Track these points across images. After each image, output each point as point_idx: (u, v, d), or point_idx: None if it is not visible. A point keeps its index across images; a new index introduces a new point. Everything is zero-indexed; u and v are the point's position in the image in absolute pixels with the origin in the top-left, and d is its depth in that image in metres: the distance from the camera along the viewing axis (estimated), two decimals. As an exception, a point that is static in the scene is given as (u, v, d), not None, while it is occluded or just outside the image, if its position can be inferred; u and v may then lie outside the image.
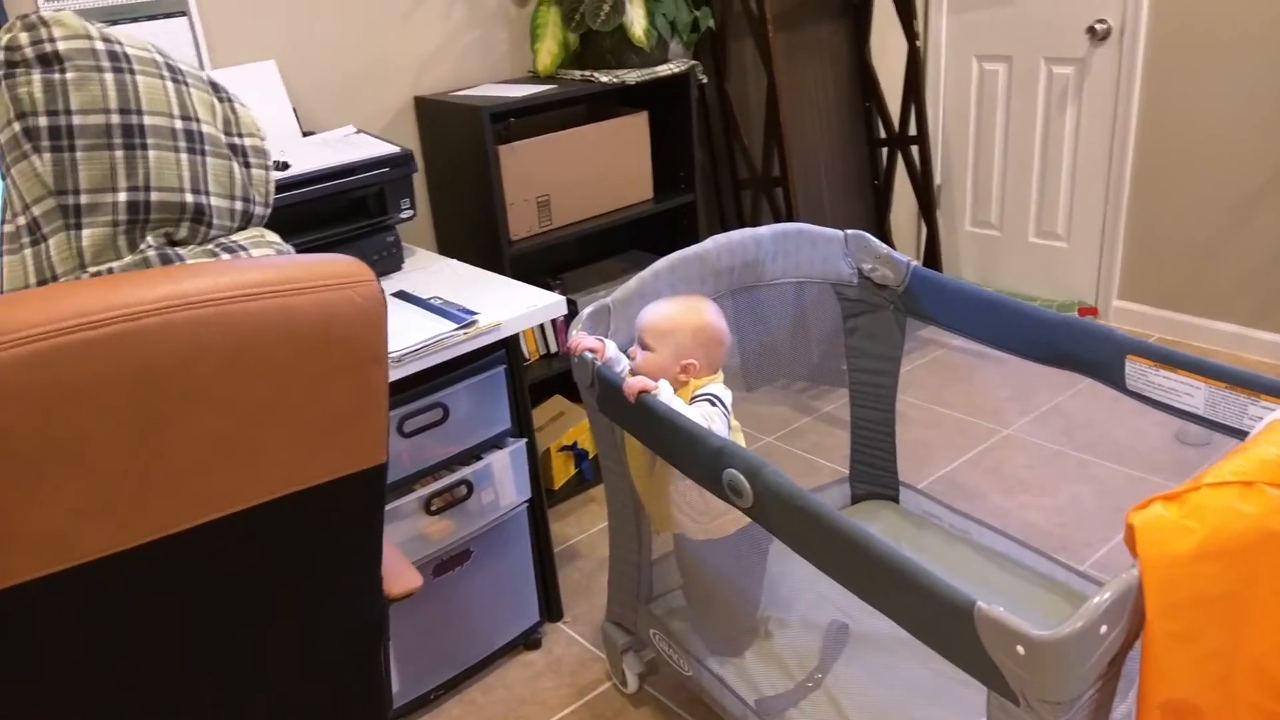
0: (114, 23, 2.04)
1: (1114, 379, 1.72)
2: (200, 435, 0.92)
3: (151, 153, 0.98)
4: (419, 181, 2.57)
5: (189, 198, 1.00)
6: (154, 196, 0.98)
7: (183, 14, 2.12)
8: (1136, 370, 1.68)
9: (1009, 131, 3.66)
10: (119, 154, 0.95)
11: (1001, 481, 2.67)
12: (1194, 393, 1.62)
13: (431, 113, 2.53)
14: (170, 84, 1.01)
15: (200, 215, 1.02)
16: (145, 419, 0.88)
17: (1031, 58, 3.51)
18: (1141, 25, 3.19)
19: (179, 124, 1.01)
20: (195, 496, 0.94)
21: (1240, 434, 1.56)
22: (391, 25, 2.47)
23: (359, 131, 2.21)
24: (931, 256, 3.56)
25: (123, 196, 0.96)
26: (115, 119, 0.95)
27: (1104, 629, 0.99)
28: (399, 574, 1.24)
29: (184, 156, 1.01)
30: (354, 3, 2.40)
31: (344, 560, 1.10)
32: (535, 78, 2.66)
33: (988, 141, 3.73)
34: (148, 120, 0.98)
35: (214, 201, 1.03)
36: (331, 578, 1.09)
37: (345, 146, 2.08)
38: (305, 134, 2.23)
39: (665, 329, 1.66)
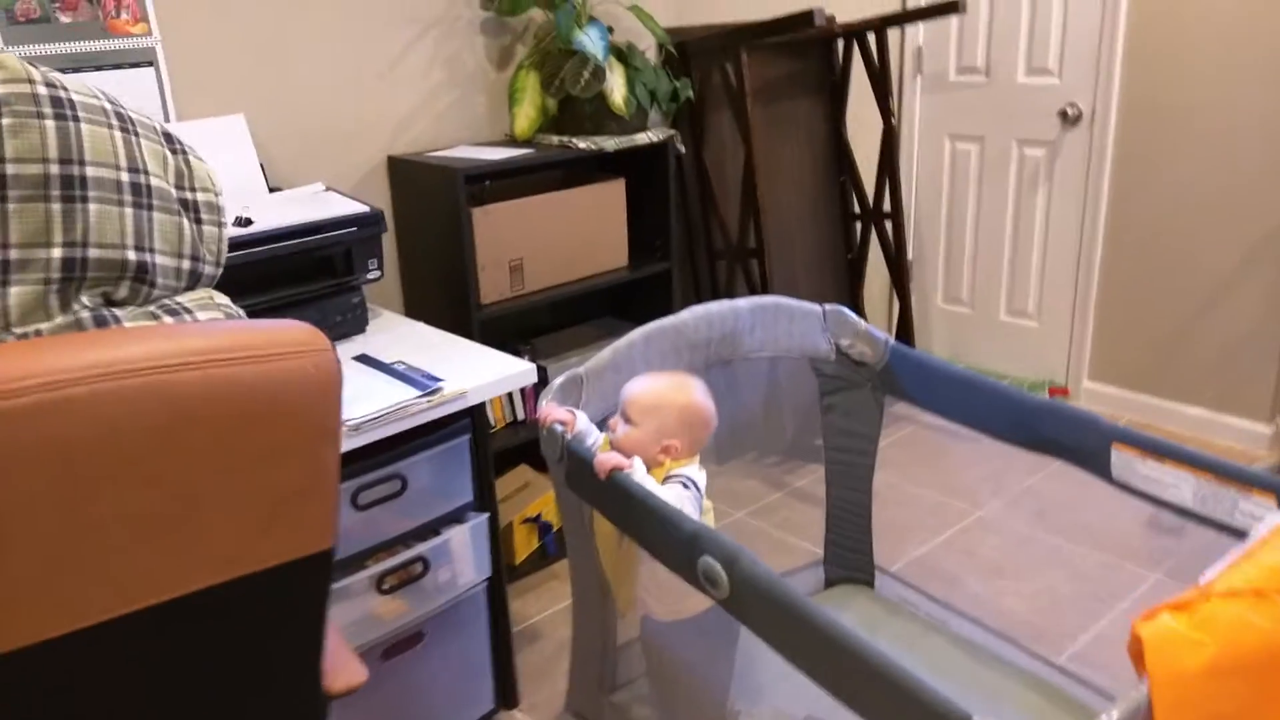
0: (78, 70, 1.97)
1: (1099, 467, 1.67)
2: (129, 515, 0.83)
3: (93, 206, 0.90)
4: (388, 242, 2.50)
5: (131, 255, 0.93)
6: (92, 254, 0.90)
7: (149, 64, 2.06)
8: (1122, 460, 1.63)
9: (981, 210, 3.67)
10: (56, 206, 0.88)
11: (976, 566, 2.61)
12: (1182, 485, 1.57)
13: (405, 173, 2.47)
14: (118, 133, 0.94)
15: (143, 274, 0.94)
16: (67, 498, 0.79)
17: (1003, 139, 3.54)
18: (1112, 110, 3.23)
19: (125, 176, 0.93)
20: (124, 583, 0.85)
21: (1229, 529, 1.51)
22: (367, 83, 2.43)
23: (328, 189, 2.15)
24: (904, 331, 3.54)
25: (57, 253, 0.88)
26: (54, 169, 0.88)
27: (1111, 751, 0.91)
28: (342, 667, 1.13)
29: (129, 211, 0.93)
30: (329, 59, 2.35)
31: (282, 653, 1.00)
32: (512, 141, 2.62)
33: (960, 219, 3.74)
34: (90, 171, 0.90)
35: (159, 260, 0.95)
36: (267, 672, 0.99)
37: (313, 204, 2.01)
38: (272, 190, 2.16)
39: (651, 405, 1.59)
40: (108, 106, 0.95)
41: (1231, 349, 3.16)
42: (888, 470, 3.10)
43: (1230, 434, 3.18)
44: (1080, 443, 1.67)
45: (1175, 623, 0.95)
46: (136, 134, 0.96)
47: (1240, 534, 1.47)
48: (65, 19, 1.94)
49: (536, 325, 2.87)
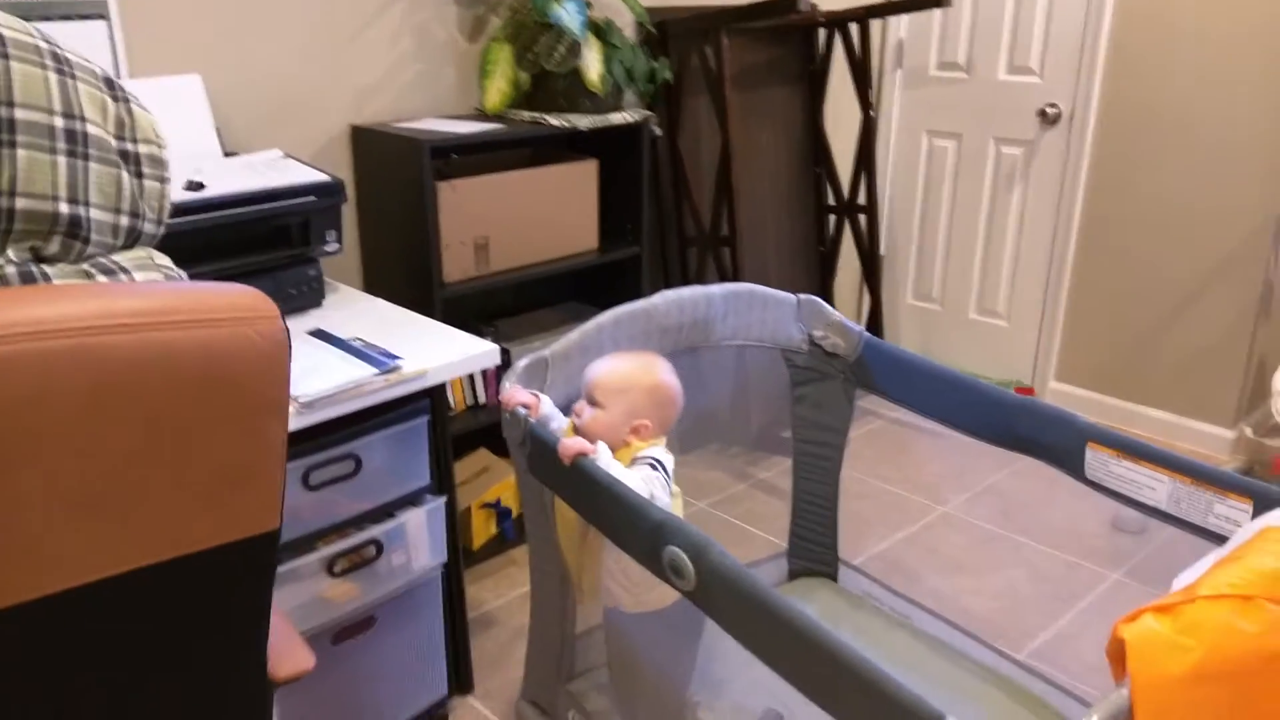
0: (26, 20, 1.87)
1: (1072, 466, 1.64)
2: (54, 490, 0.76)
3: (21, 152, 0.83)
4: (349, 214, 2.42)
5: (64, 208, 0.85)
6: (20, 204, 0.83)
7: (101, 17, 1.96)
8: (1097, 459, 1.60)
9: (955, 207, 3.65)
10: None
11: (938, 562, 2.59)
12: (1157, 486, 1.54)
13: (368, 143, 2.39)
14: (53, 75, 0.86)
15: (76, 229, 0.86)
16: (-20, 467, 0.72)
17: (981, 137, 3.52)
18: (1092, 111, 3.22)
19: (59, 122, 0.86)
20: (48, 561, 0.78)
21: (1204, 532, 1.49)
22: (332, 49, 2.34)
23: (286, 156, 2.06)
24: (874, 326, 3.51)
25: None
26: None
27: (1090, 758, 0.88)
28: (288, 653, 1.07)
29: (62, 160, 0.85)
30: (293, 21, 2.26)
31: (222, 638, 0.94)
32: (482, 115, 2.55)
33: (933, 216, 3.72)
34: (20, 115, 0.83)
35: (94, 214, 0.88)
36: (208, 657, 0.93)
37: (269, 171, 1.92)
38: (227, 154, 2.07)
39: (619, 386, 1.54)
40: (43, 45, 0.87)
41: (1198, 355, 3.17)
42: (852, 464, 3.07)
43: (1194, 438, 3.20)
44: (1055, 441, 1.65)
45: (1159, 625, 0.92)
46: (74, 77, 0.88)
47: (1214, 536, 1.45)
48: (13, -35, 1.84)
49: (500, 307, 2.80)
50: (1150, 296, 3.23)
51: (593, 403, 1.55)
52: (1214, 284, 3.09)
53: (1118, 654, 0.94)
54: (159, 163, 0.95)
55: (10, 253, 0.84)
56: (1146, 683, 0.88)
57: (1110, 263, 3.30)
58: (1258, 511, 1.38)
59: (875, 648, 1.92)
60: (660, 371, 1.59)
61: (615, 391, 1.54)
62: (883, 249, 3.77)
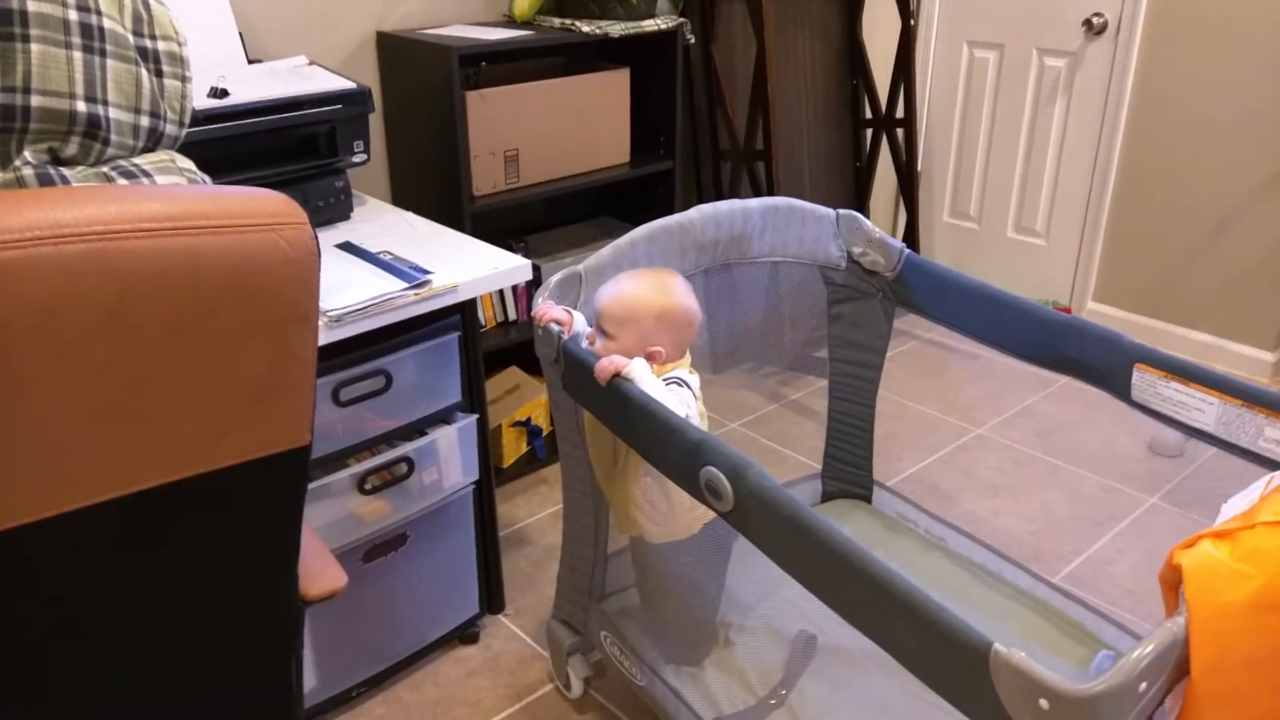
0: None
1: (1118, 388, 1.59)
2: (75, 402, 0.73)
3: (35, 46, 0.78)
4: (375, 124, 2.36)
5: (81, 106, 0.81)
6: (35, 101, 0.79)
7: (117, -85, 1.88)
8: (1144, 380, 1.55)
9: (995, 122, 3.53)
10: None
11: (973, 484, 2.56)
12: (1206, 408, 1.49)
13: (395, 50, 2.31)
14: None
15: (95, 129, 0.83)
16: (3, 380, 0.69)
17: (1024, 48, 3.37)
18: (1139, 20, 3.07)
19: (74, 15, 0.81)
20: (69, 477, 0.76)
21: (1254, 456, 1.45)
22: (355, -48, 2.26)
23: (312, 63, 2.00)
24: (910, 243, 3.43)
25: None
26: None
27: (1143, 686, 0.85)
28: (319, 572, 1.06)
29: (78, 55, 0.81)
30: (314, -77, 2.17)
31: (253, 557, 0.92)
32: (511, 22, 2.46)
33: (972, 131, 3.60)
34: (31, 6, 0.78)
35: (113, 114, 0.84)
36: (237, 577, 0.92)
37: (295, 78, 1.87)
38: (251, 62, 2.01)
39: (626, 314, 1.47)
40: None
41: (1240, 276, 3.08)
42: (886, 384, 2.99)
43: (1234, 360, 3.12)
44: (1100, 361, 1.59)
45: (1217, 552, 0.88)
46: None
47: (1265, 461, 1.41)
48: None
49: (530, 222, 2.75)
50: (1192, 216, 3.13)
51: (603, 332, 1.49)
52: (1258, 204, 2.97)
53: (1173, 581, 0.90)
54: (179, 60, 0.91)
55: (27, 154, 0.81)
56: (1205, 611, 0.85)
57: (1153, 181, 3.18)
58: (1314, 436, 1.33)
59: (910, 570, 1.91)
60: (672, 293, 1.51)
61: (623, 321, 1.47)
62: (920, 165, 3.66)
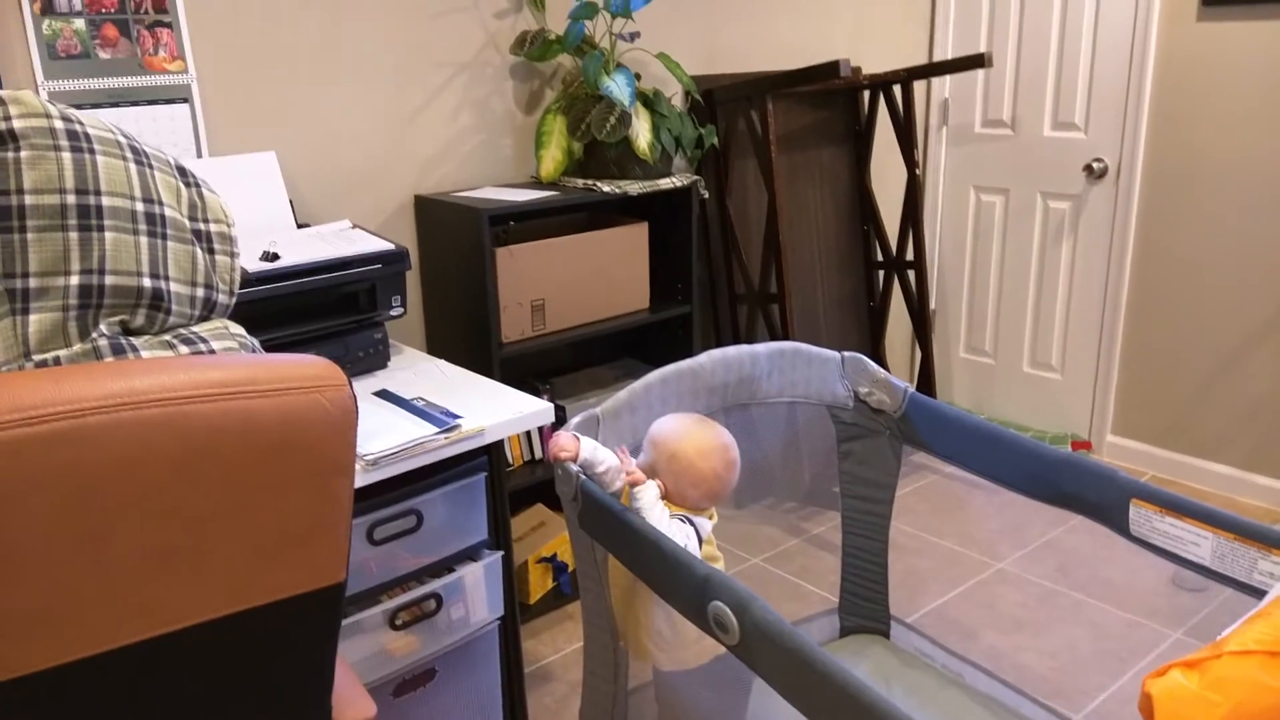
0: (115, 105, 2.03)
1: (1117, 523, 1.65)
2: (143, 545, 0.84)
3: (109, 234, 0.93)
4: (412, 279, 2.54)
5: (146, 282, 0.95)
6: (109, 280, 0.93)
7: (184, 101, 2.11)
8: (1141, 516, 1.61)
9: (1005, 261, 3.67)
10: (73, 235, 0.91)
11: (995, 619, 2.57)
12: (1201, 542, 1.55)
13: (431, 211, 2.51)
14: (133, 165, 0.97)
15: (158, 301, 0.96)
16: (84, 526, 0.80)
17: (1028, 192, 3.54)
18: (1138, 166, 3.23)
19: (140, 206, 0.96)
20: (134, 610, 0.86)
21: (1247, 589, 1.49)
22: (397, 124, 2.48)
23: (355, 226, 2.19)
24: (926, 381, 3.53)
25: (75, 280, 0.91)
26: (71, 199, 0.91)
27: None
28: (350, 701, 1.14)
29: (143, 240, 0.96)
30: (360, 101, 2.40)
31: (290, 686, 1.01)
32: (538, 183, 2.66)
33: (984, 270, 3.74)
34: (105, 201, 0.93)
35: (174, 287, 0.98)
36: (275, 705, 1.00)
37: (339, 240, 2.05)
38: (300, 226, 2.20)
39: (650, 440, 1.64)
40: (122, 140, 0.98)
41: (1258, 406, 3.12)
42: (907, 518, 3.08)
43: (1257, 492, 3.14)
44: (1099, 497, 1.66)
45: (1186, 680, 0.94)
46: (151, 166, 0.99)
47: (1258, 593, 1.45)
48: (104, 55, 2.01)
49: (556, 365, 2.89)
50: (1207, 346, 3.20)
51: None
52: (1270, 334, 3.05)
53: (1148, 709, 0.96)
54: (228, 239, 1.06)
55: (103, 326, 0.94)
56: (1175, 737, 0.90)
57: (1163, 314, 3.28)
58: (1303, 568, 1.38)
59: (927, 706, 1.92)
60: (691, 443, 1.59)
61: (649, 443, 1.63)
62: (933, 303, 3.79)
